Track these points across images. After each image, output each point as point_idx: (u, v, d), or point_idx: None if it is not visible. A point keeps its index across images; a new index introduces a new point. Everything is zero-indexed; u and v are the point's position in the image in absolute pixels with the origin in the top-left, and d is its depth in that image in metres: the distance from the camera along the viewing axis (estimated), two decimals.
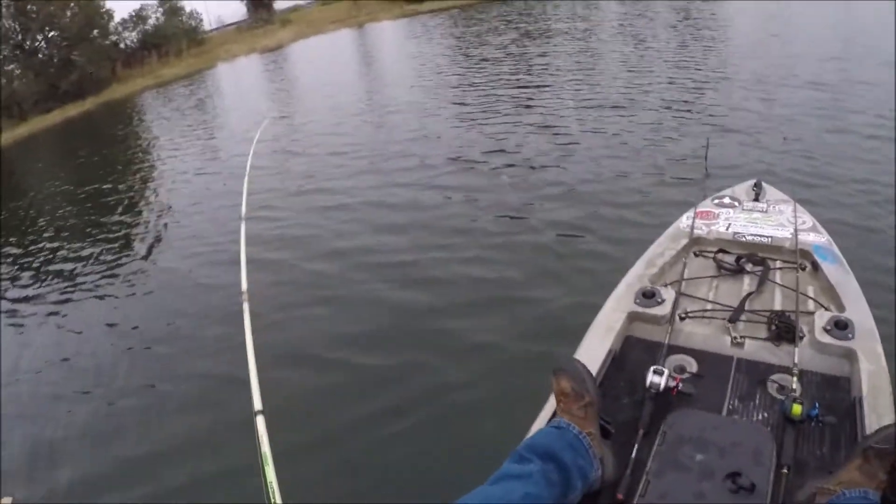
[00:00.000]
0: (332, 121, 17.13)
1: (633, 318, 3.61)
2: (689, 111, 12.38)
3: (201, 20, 52.72)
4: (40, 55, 46.50)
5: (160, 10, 49.75)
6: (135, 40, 49.23)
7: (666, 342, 3.29)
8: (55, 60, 45.28)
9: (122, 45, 49.03)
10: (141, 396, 6.78)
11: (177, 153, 19.27)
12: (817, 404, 2.61)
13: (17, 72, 46.28)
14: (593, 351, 3.29)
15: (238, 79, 36.43)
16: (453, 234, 8.82)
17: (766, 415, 2.84)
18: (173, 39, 47.42)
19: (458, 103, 15.92)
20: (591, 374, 2.70)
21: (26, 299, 11.14)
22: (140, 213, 14.51)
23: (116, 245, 12.60)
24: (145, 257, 11.50)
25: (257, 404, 1.69)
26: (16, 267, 13.29)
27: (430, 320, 6.84)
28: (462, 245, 8.38)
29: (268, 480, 1.60)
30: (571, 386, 2.57)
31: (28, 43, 46.84)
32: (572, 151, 11.14)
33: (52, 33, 46.42)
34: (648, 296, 3.63)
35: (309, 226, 10.49)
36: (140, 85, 41.84)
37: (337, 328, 7.04)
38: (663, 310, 3.54)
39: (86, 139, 30.47)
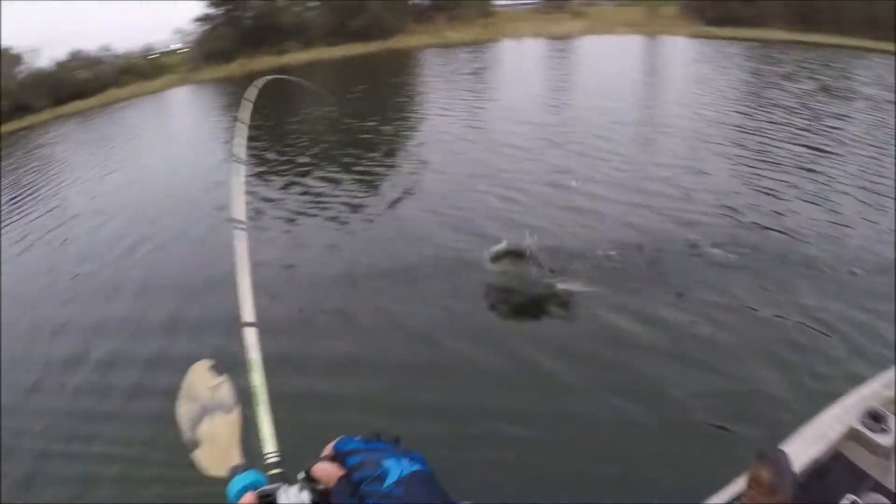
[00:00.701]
0: (601, 124, 16.34)
1: (851, 435, 3.23)
2: None
3: None
4: None
5: None
6: None
7: (874, 478, 3.00)
8: (350, 0, 47.01)
9: (415, 1, 50.37)
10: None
11: (444, 113, 19.60)
12: None
13: (314, 3, 49.07)
14: (799, 452, 3.06)
15: (520, 59, 35.22)
16: (689, 279, 8.12)
17: None
18: (465, 6, 47.80)
19: (736, 144, 14.38)
20: (794, 475, 2.50)
21: (269, 199, 12.80)
22: (395, 159, 15.25)
23: (364, 181, 13.55)
24: (386, 201, 12.06)
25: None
26: (270, 172, 15.12)
27: (631, 357, 6.63)
28: (692, 295, 7.67)
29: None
30: (770, 478, 2.41)
31: None
32: (842, 234, 9.74)
33: None
34: (875, 418, 3.22)
35: (545, 218, 10.20)
36: (424, 41, 42.24)
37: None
38: (886, 440, 3.12)
39: (362, 78, 31.44)
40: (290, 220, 11.45)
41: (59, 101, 46.92)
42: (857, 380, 3.83)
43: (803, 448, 3.11)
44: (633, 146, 14.42)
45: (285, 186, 13.79)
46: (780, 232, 9.60)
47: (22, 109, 46.38)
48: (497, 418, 5.80)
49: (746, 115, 16.96)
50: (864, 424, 3.20)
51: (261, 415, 1.59)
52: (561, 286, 7.98)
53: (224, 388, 2.01)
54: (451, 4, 47.48)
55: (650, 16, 47.28)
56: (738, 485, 2.74)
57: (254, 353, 1.66)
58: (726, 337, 6.80)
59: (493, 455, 5.38)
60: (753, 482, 2.47)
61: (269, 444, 1.51)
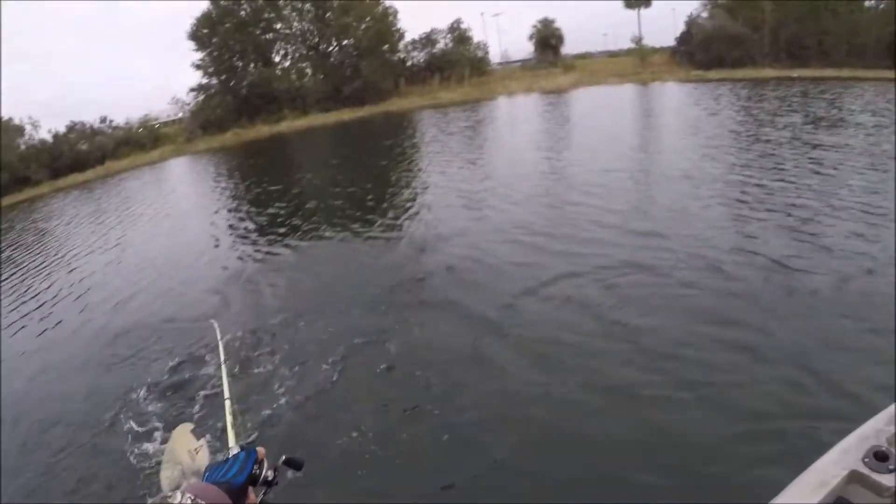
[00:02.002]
0: (595, 174, 15.70)
1: (853, 477, 2.73)
2: None
3: (488, 52, 53.39)
4: (331, 59, 49.38)
5: (450, 36, 50.95)
6: (421, 61, 50.74)
7: None
8: (344, 66, 47.74)
9: (408, 63, 50.88)
10: None
11: (441, 171, 19.40)
12: None
13: (308, 71, 50.23)
14: (798, 502, 2.61)
15: (513, 114, 35.54)
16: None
17: None
18: (458, 66, 48.08)
19: (732, 184, 13.48)
20: None
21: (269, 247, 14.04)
22: (393, 217, 14.89)
23: (357, 238, 13.59)
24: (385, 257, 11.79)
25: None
26: (270, 224, 16.39)
27: None
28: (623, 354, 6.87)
29: None
30: None
31: (322, 47, 50.15)
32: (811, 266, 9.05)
33: (345, 41, 49.37)
34: (881, 458, 2.72)
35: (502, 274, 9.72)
36: (417, 103, 42.86)
37: None
38: (890, 480, 2.63)
39: (356, 140, 31.89)
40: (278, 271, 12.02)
41: (58, 173, 47.43)
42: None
43: (802, 497, 2.70)
44: (623, 195, 13.74)
45: (278, 238, 14.56)
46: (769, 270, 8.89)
47: (21, 182, 46.90)
48: None
49: (742, 152, 16.37)
50: (867, 465, 2.77)
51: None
52: None
53: (202, 452, 2.23)
54: (444, 65, 48.09)
55: (640, 64, 47.74)
56: None
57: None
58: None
59: None
60: None
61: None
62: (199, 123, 48.62)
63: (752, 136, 18.57)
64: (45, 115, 79.68)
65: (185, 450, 2.31)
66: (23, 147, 50.30)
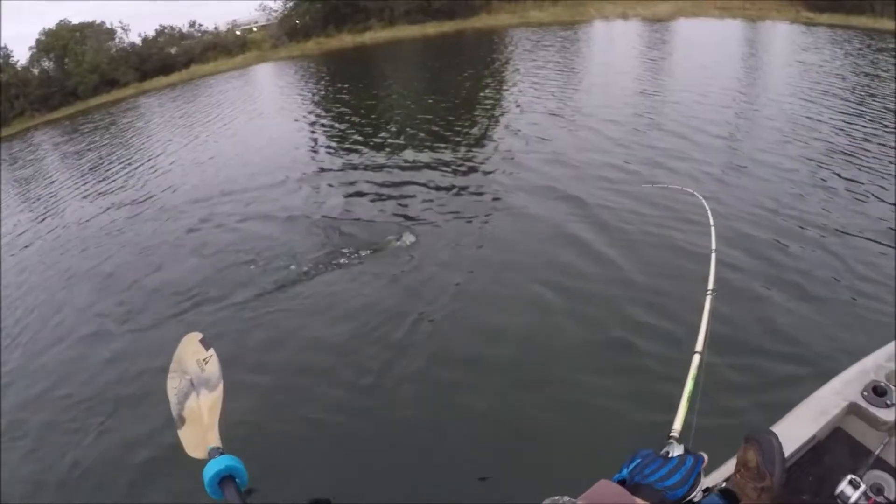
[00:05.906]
0: (696, 113, 14.96)
1: (851, 409, 3.18)
2: None
3: None
4: None
5: None
6: None
7: (876, 453, 2.97)
8: None
9: None
10: None
11: (529, 93, 18.58)
12: None
13: None
14: (795, 430, 3.03)
15: (611, 41, 33.82)
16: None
17: None
18: None
19: (832, 139, 12.46)
20: (783, 458, 2.30)
21: (343, 166, 13.89)
22: (479, 140, 14.43)
23: (443, 161, 13.13)
24: (474, 188, 11.46)
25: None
26: (353, 142, 16.05)
27: None
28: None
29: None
30: (758, 462, 2.26)
31: None
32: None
33: None
34: (879, 392, 3.14)
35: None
36: (506, 21, 41.44)
37: None
38: (888, 415, 3.04)
39: (444, 55, 31.20)
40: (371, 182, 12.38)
41: (145, 75, 49.01)
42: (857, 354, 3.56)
43: (802, 425, 3.05)
44: (721, 139, 12.95)
45: (356, 154, 14.77)
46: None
47: (110, 83, 48.60)
48: None
49: (847, 101, 14.86)
50: (866, 399, 3.12)
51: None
52: None
53: (212, 363, 2.11)
54: None
55: None
56: (728, 467, 2.59)
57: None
58: None
59: None
60: (741, 466, 2.32)
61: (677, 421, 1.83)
62: (286, 30, 48.93)
63: (865, 92, 16.63)
64: (135, 20, 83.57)
65: (194, 359, 2.17)
66: (113, 50, 51.76)
